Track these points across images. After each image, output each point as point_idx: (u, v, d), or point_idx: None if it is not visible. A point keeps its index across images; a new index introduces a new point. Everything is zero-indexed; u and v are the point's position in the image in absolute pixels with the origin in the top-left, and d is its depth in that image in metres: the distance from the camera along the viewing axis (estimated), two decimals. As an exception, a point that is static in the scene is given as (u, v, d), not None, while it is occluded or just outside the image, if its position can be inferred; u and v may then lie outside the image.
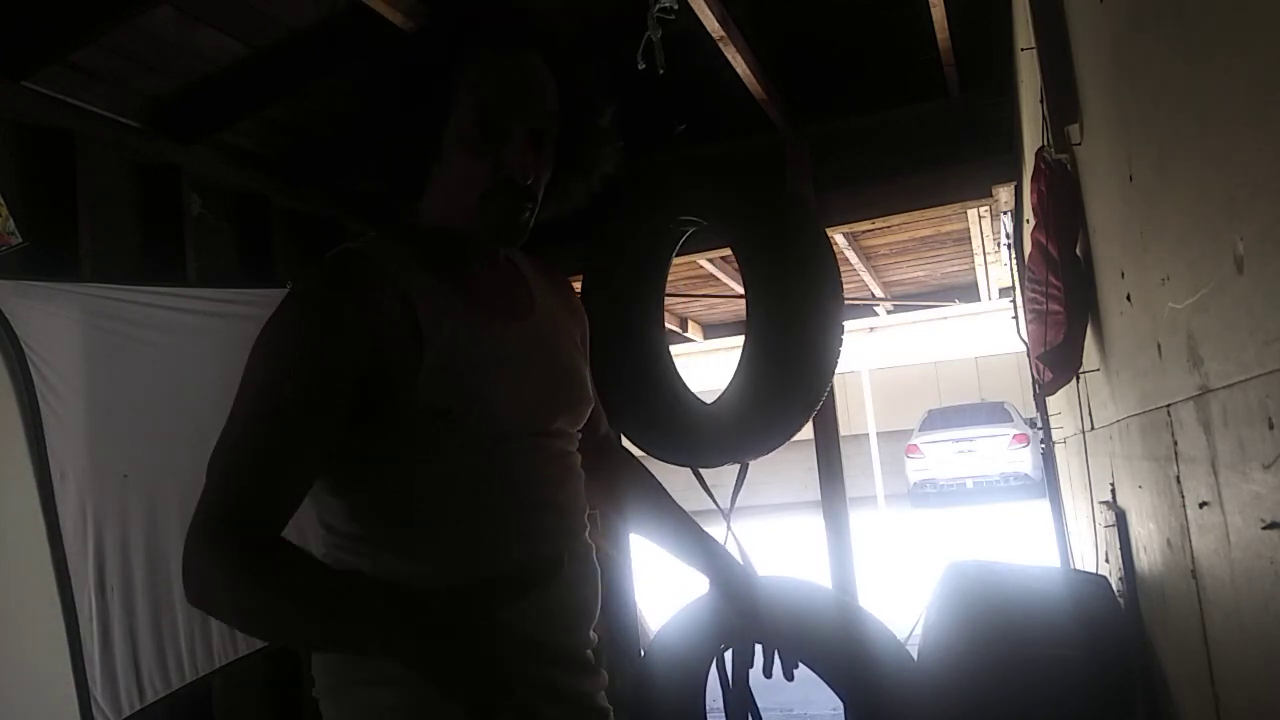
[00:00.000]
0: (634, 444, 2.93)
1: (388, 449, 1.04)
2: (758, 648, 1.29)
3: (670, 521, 1.34)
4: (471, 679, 0.84)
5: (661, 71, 2.56)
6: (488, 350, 1.08)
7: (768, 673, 1.29)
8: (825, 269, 2.66)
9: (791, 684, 1.30)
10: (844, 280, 2.76)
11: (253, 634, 1.03)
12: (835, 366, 2.66)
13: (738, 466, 2.94)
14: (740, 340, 2.81)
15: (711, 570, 1.29)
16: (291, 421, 0.99)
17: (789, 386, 2.66)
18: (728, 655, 1.39)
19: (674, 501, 1.36)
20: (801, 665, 1.33)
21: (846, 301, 2.76)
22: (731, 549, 2.75)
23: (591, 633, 1.15)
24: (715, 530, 1.74)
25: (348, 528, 1.06)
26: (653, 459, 2.79)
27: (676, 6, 2.50)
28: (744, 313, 2.82)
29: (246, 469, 0.97)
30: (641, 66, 2.53)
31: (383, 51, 1.13)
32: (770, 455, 2.85)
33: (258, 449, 0.98)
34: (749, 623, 1.27)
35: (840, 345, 2.65)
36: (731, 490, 2.97)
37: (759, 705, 1.79)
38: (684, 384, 3.05)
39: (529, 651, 1.05)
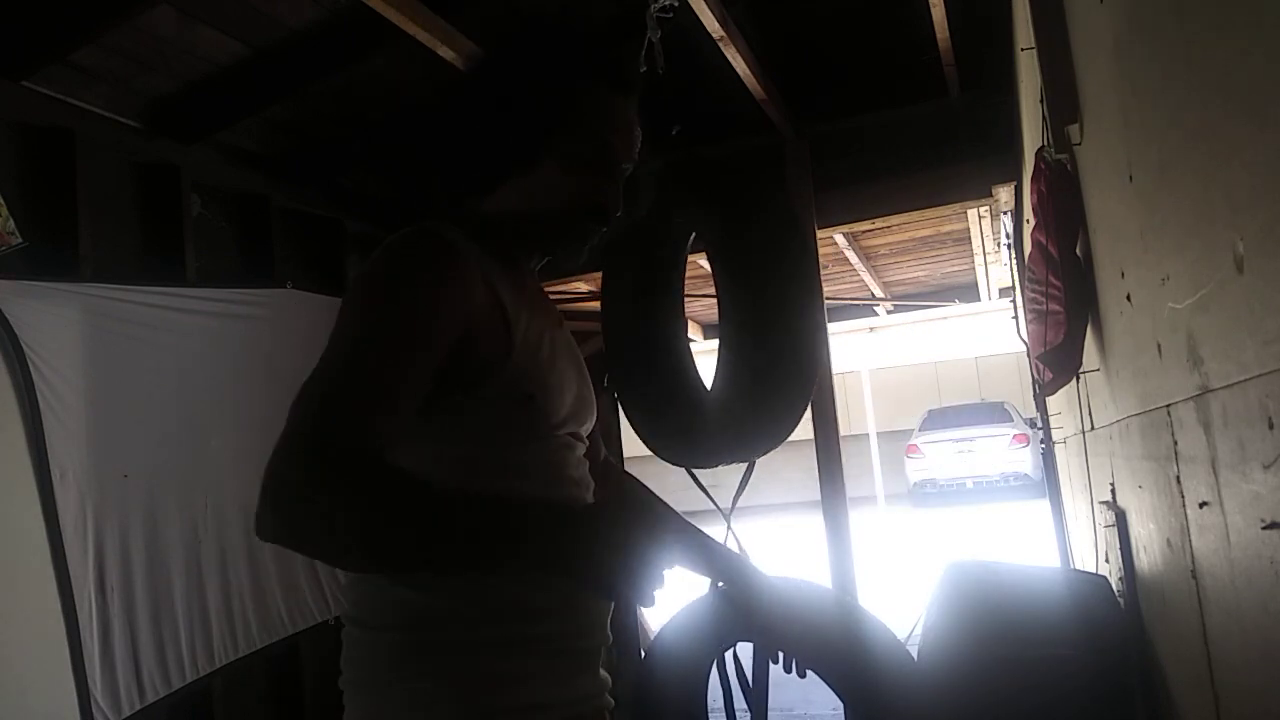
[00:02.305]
0: (661, 450, 2.88)
1: (470, 429, 1.05)
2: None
3: None
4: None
5: (661, 72, 2.55)
6: (548, 348, 1.13)
7: (791, 669, 1.31)
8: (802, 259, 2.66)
9: (791, 684, 1.32)
10: (844, 280, 2.76)
11: (358, 559, 0.95)
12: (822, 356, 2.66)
13: (738, 466, 2.93)
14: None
15: (729, 579, 1.35)
16: (392, 350, 0.96)
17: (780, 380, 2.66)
18: (726, 656, 1.39)
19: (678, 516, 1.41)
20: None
21: (846, 302, 2.76)
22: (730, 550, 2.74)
23: (607, 631, 1.18)
24: (715, 531, 1.74)
25: None
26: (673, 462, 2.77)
27: (675, 4, 2.50)
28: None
29: (347, 389, 0.93)
30: (644, 69, 2.53)
31: (503, 56, 1.18)
32: (770, 455, 2.84)
33: (357, 372, 0.94)
34: (766, 626, 1.30)
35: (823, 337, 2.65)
36: (735, 490, 2.96)
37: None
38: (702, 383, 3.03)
39: (554, 654, 1.08)
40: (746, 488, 3.00)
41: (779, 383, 2.62)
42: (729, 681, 1.81)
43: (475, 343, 1.03)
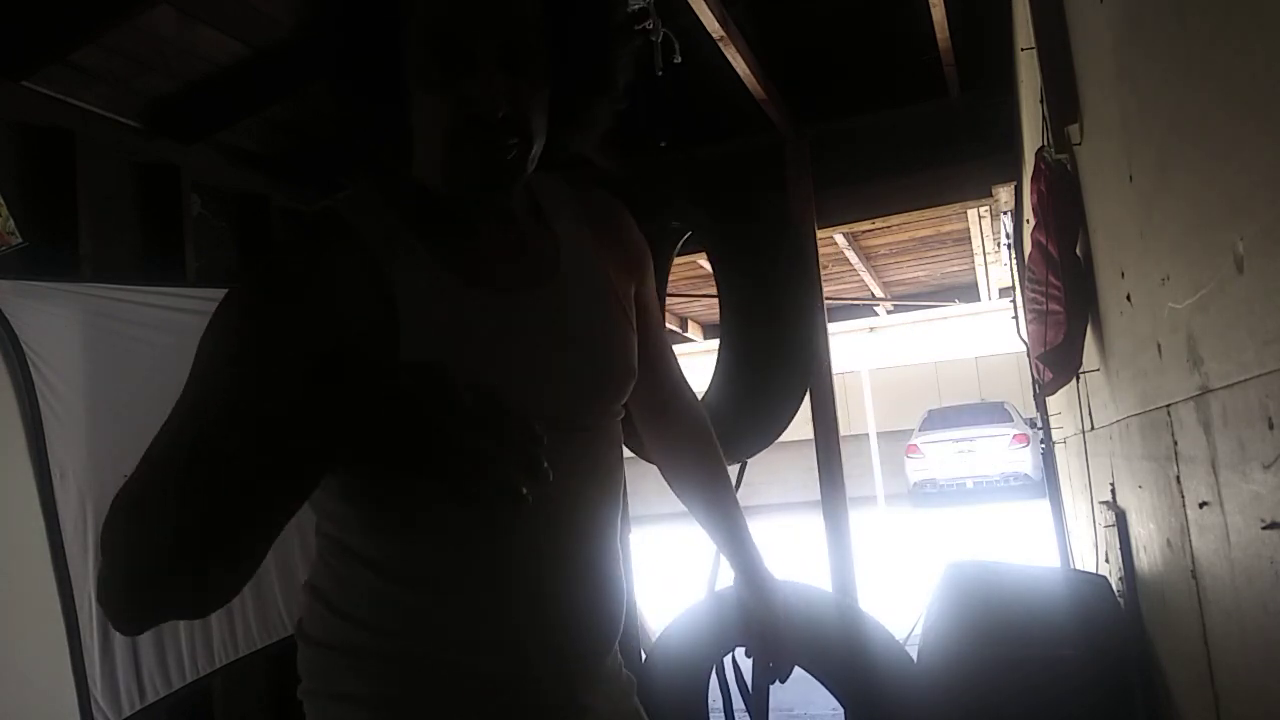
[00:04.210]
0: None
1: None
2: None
3: (715, 509, 1.27)
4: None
5: (659, 73, 2.56)
6: (488, 328, 0.91)
7: (783, 679, 1.27)
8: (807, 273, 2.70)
9: (792, 684, 1.30)
10: (844, 280, 2.79)
11: (178, 546, 0.76)
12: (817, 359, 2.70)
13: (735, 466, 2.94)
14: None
15: (740, 573, 1.25)
16: (223, 408, 0.85)
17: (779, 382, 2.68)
18: (728, 660, 1.38)
19: (729, 488, 1.29)
20: (799, 667, 1.31)
21: (847, 302, 2.78)
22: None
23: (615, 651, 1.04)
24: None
25: (329, 520, 0.97)
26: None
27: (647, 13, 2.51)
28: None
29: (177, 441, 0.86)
30: (660, 73, 2.54)
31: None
32: (770, 455, 2.85)
33: (186, 432, 0.86)
34: (768, 635, 1.22)
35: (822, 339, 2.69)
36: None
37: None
38: None
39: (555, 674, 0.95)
40: (743, 488, 3.00)
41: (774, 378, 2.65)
42: (728, 686, 1.81)
43: (354, 343, 0.87)
